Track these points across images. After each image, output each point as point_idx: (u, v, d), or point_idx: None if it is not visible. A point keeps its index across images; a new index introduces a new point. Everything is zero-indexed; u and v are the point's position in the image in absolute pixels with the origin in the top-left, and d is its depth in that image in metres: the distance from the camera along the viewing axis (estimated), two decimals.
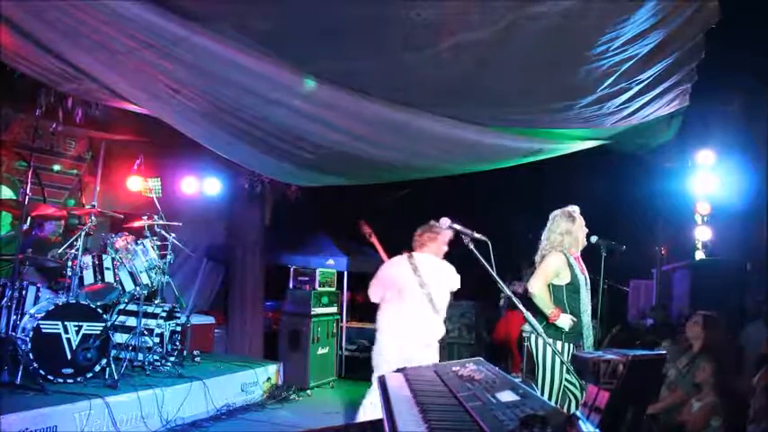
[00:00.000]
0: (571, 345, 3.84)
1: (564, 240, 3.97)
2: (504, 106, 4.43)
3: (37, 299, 4.97)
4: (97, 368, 4.85)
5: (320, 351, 7.31)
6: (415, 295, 4.28)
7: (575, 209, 4.08)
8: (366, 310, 10.63)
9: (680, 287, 7.58)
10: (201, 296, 9.01)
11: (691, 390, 4.37)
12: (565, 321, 3.80)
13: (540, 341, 3.81)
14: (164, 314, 5.96)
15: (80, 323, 4.79)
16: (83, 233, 5.23)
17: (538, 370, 3.89)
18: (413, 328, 4.28)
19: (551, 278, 3.90)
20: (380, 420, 2.05)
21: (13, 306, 4.53)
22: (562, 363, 3.70)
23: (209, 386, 5.45)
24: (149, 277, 5.65)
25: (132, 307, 5.75)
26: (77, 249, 5.16)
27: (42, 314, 4.62)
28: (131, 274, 5.57)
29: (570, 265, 3.91)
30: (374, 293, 4.51)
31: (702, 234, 7.20)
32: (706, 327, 4.51)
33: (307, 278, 7.44)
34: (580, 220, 4.04)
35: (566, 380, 3.80)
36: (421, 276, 4.26)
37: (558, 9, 3.01)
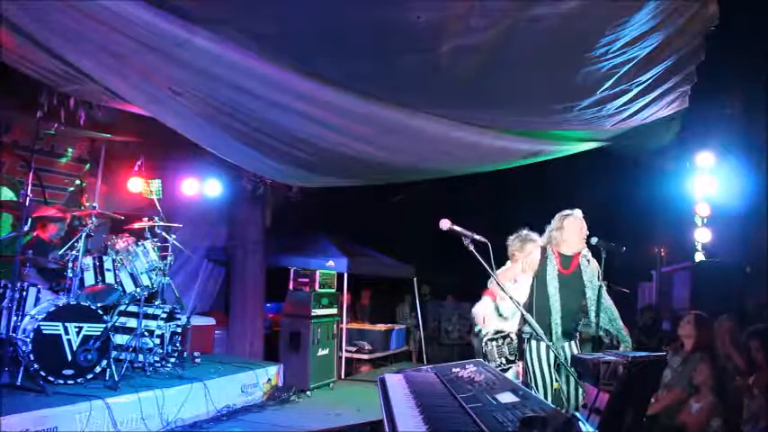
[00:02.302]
0: (536, 341, 3.92)
1: (551, 236, 4.08)
2: (504, 108, 4.44)
3: (38, 300, 4.97)
4: (98, 369, 4.85)
5: (320, 352, 7.31)
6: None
7: (571, 211, 4.13)
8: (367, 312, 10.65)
9: (680, 289, 7.59)
10: (202, 297, 9.01)
11: (688, 388, 4.38)
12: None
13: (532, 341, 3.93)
14: (164, 315, 5.96)
15: (81, 324, 4.79)
16: (84, 234, 5.23)
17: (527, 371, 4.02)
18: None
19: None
20: (380, 421, 2.06)
21: (14, 307, 4.53)
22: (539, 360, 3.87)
23: (209, 387, 5.45)
24: (150, 278, 5.65)
25: (133, 308, 5.75)
26: (78, 251, 5.16)
27: (43, 315, 4.62)
28: (132, 276, 5.57)
29: (545, 259, 4.01)
30: None
31: (702, 236, 7.20)
32: (698, 326, 4.52)
33: (307, 279, 7.44)
34: (573, 222, 4.06)
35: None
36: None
37: (558, 11, 3.03)
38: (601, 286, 3.90)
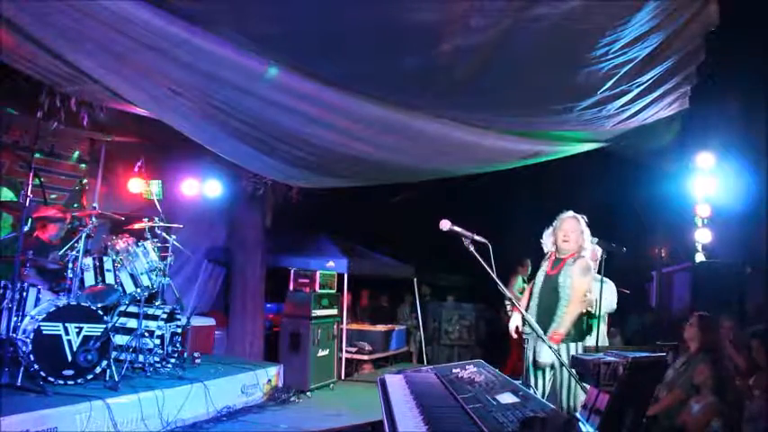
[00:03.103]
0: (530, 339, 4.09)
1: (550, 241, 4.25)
2: (504, 108, 4.45)
3: (38, 300, 4.96)
4: (98, 370, 4.85)
5: (320, 353, 7.31)
6: None
7: (563, 214, 4.21)
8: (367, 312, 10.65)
9: (680, 290, 7.59)
10: (202, 298, 9.00)
11: (690, 390, 4.38)
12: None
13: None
14: (164, 316, 5.96)
15: (81, 325, 4.79)
16: (84, 235, 5.23)
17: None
18: None
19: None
20: (380, 421, 2.06)
21: (14, 308, 4.52)
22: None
23: (209, 388, 5.45)
24: (150, 279, 5.64)
25: (133, 309, 5.75)
26: (78, 251, 5.16)
27: (43, 316, 4.61)
28: (132, 276, 5.57)
29: (543, 261, 4.22)
30: None
31: (702, 236, 7.20)
32: (702, 328, 4.51)
33: (307, 280, 7.43)
34: (558, 223, 4.18)
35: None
36: None
37: (559, 11, 3.03)
38: (601, 291, 3.89)
